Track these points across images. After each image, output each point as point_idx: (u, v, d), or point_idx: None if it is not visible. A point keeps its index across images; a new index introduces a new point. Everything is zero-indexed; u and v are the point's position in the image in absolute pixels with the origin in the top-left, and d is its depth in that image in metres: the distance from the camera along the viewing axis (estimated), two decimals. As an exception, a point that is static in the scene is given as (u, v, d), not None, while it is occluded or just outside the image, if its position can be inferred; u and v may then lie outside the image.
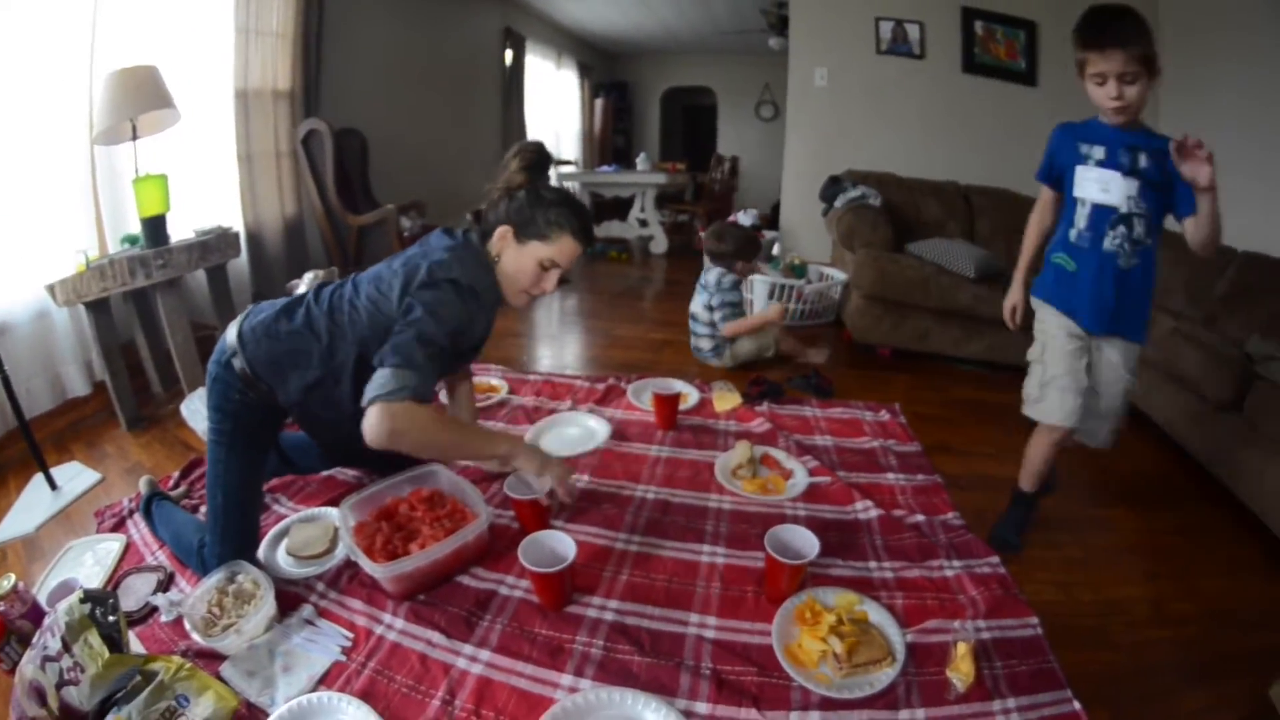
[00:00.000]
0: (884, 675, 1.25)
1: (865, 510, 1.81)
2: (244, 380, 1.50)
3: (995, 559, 1.63)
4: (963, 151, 4.39)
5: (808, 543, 1.46)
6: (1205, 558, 1.77)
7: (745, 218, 4.30)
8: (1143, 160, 1.46)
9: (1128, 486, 2.10)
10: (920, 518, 1.79)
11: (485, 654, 1.33)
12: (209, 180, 3.29)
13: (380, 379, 1.36)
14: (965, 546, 1.68)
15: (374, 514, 1.63)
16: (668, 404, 2.29)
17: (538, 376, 2.81)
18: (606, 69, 10.62)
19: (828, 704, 1.21)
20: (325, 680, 1.28)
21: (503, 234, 1.57)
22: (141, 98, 2.39)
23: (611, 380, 2.71)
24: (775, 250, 4.25)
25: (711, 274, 2.92)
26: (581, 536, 1.61)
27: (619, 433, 2.25)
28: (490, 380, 2.67)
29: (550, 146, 1.72)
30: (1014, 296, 1.81)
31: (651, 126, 11.19)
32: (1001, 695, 1.23)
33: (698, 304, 2.98)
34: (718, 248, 2.95)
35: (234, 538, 1.52)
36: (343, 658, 1.33)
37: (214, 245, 2.71)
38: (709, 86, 10.66)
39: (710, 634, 1.38)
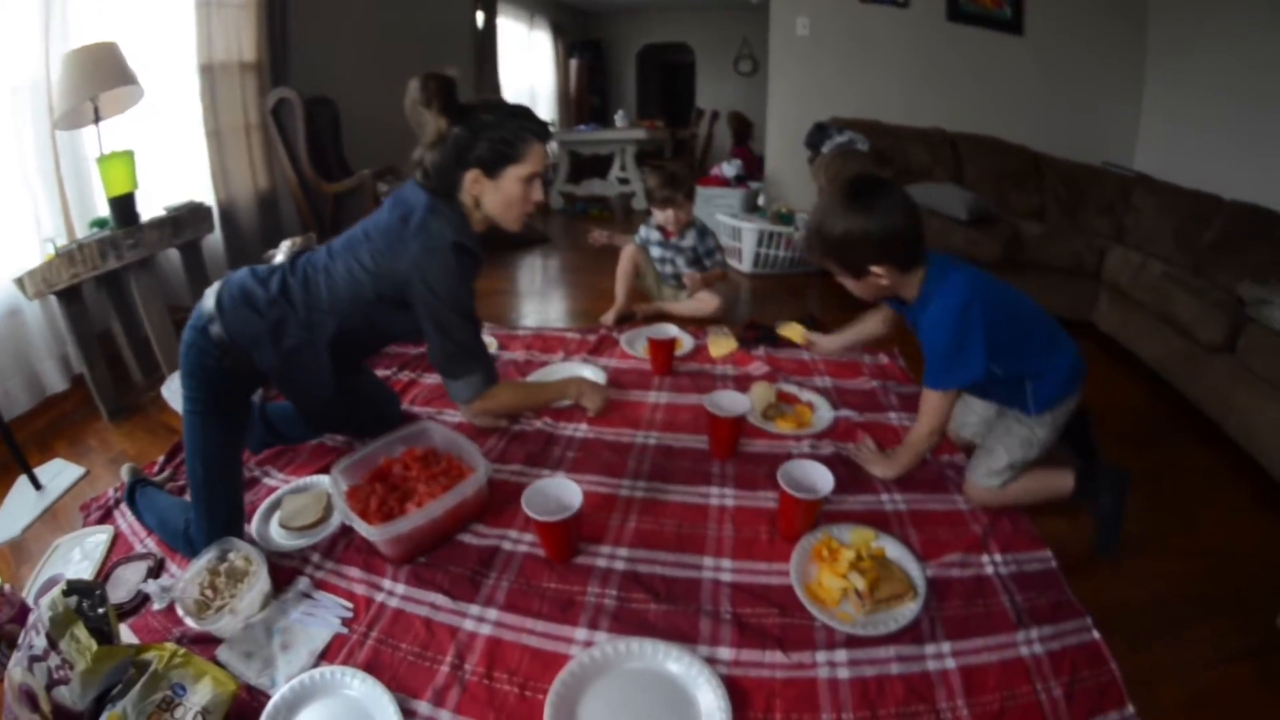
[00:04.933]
0: (907, 610, 1.24)
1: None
2: (220, 346, 1.45)
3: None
4: (949, 100, 4.30)
5: (822, 478, 1.43)
6: (1201, 495, 1.77)
7: (729, 169, 4.21)
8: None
9: (1124, 425, 2.09)
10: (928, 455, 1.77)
11: (493, 613, 1.27)
12: (178, 158, 3.17)
13: (455, 390, 1.64)
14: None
15: (367, 477, 1.57)
16: (663, 349, 2.24)
17: (527, 331, 2.75)
18: (580, 28, 10.28)
19: (854, 641, 1.18)
20: (327, 655, 1.22)
21: (474, 179, 1.50)
22: (102, 75, 2.27)
23: (603, 331, 2.65)
24: (760, 201, 4.18)
25: (689, 236, 2.83)
26: (584, 485, 1.54)
27: (614, 381, 2.20)
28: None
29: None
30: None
31: (628, 85, 10.89)
32: (1024, 626, 1.22)
33: (681, 264, 2.89)
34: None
35: (219, 511, 1.47)
36: (344, 629, 1.27)
37: (186, 220, 2.58)
38: (686, 43, 10.40)
39: (727, 577, 1.35)
